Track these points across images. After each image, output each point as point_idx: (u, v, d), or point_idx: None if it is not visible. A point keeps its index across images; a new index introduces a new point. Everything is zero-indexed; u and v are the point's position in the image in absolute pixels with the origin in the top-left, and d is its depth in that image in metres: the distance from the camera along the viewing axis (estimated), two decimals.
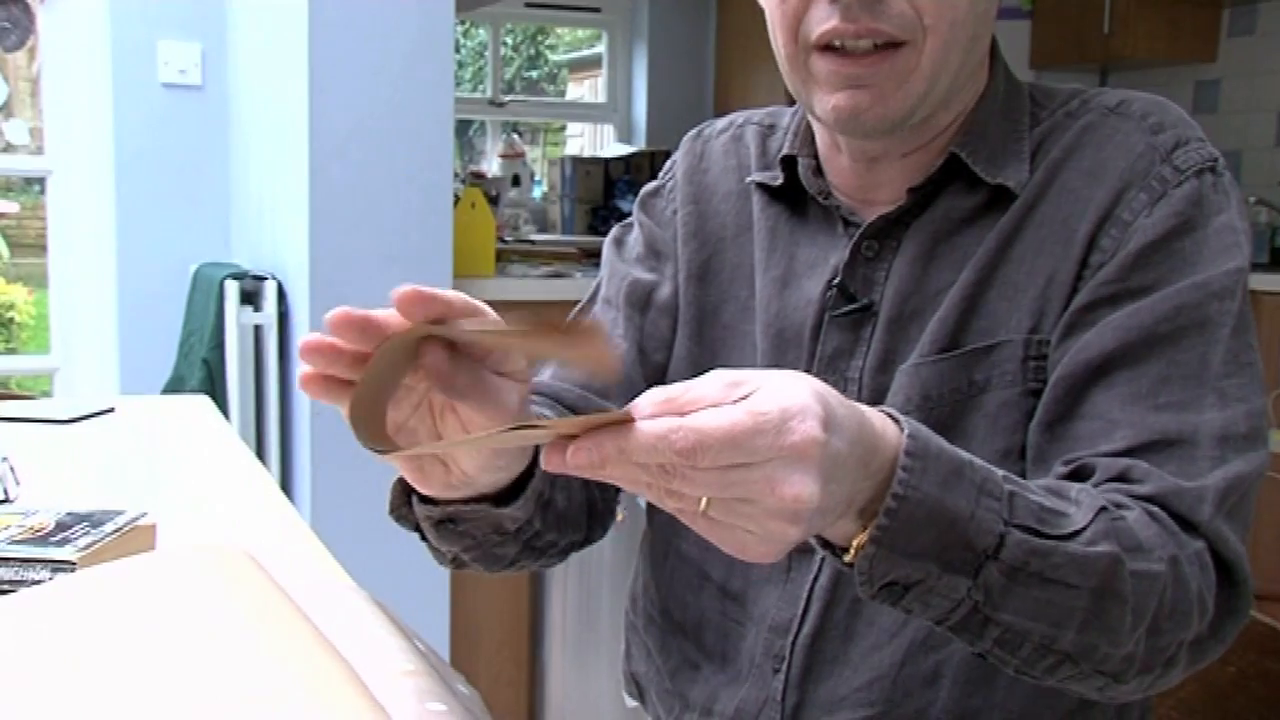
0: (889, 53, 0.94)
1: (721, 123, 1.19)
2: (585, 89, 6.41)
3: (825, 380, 1.00)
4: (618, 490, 1.13)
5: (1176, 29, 4.19)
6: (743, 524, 0.67)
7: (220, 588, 0.85)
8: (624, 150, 4.74)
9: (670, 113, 5.08)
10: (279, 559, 0.99)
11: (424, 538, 0.97)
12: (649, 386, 1.10)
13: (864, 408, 0.74)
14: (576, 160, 4.56)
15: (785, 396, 0.65)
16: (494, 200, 3.90)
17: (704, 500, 0.66)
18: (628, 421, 0.64)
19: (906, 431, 0.75)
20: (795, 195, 1.09)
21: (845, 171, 1.05)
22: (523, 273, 3.04)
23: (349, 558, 1.20)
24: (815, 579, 1.03)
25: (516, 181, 4.55)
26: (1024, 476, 0.93)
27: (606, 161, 4.58)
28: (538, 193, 4.81)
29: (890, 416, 0.76)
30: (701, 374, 1.08)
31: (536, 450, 0.88)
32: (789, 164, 1.09)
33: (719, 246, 1.12)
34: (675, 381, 1.16)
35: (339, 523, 2.21)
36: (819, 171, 1.07)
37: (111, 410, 1.78)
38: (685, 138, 1.20)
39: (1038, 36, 4.57)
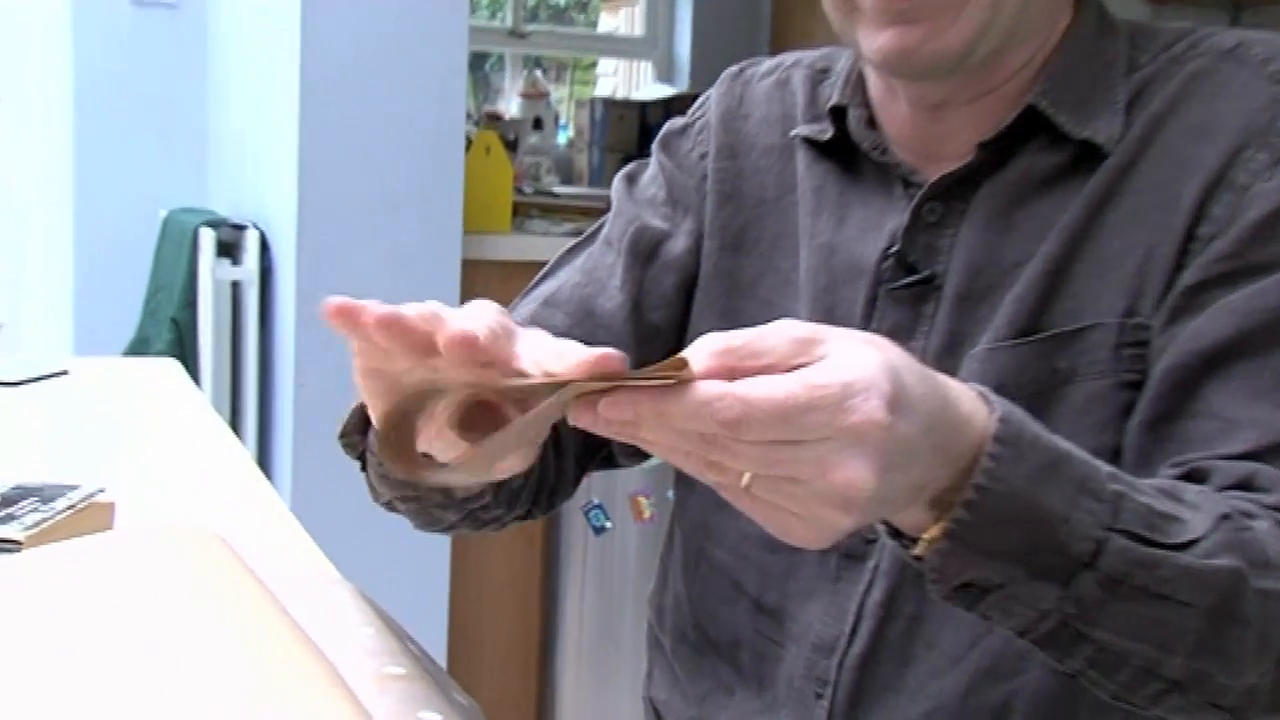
0: None
1: (768, 64, 1.18)
2: (620, 20, 6.40)
3: None
4: (582, 469, 1.16)
5: None
6: (788, 505, 0.67)
7: (186, 573, 0.85)
8: (663, 92, 4.74)
9: (718, 49, 5.06)
10: (254, 545, 1.00)
11: (364, 468, 1.01)
12: (639, 347, 1.11)
13: (952, 384, 0.74)
14: (608, 102, 4.56)
15: (850, 369, 0.65)
16: (512, 146, 3.90)
17: (747, 475, 0.67)
18: (668, 379, 0.64)
19: (997, 414, 0.75)
20: (846, 151, 1.08)
21: (903, 122, 1.04)
22: (543, 230, 3.04)
23: (332, 546, 1.21)
24: (867, 591, 1.03)
25: (538, 125, 4.55)
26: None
27: (643, 105, 4.57)
28: (563, 138, 4.82)
29: (982, 396, 0.76)
30: None
31: None
32: (839, 115, 1.08)
33: (758, 211, 1.12)
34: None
35: (322, 507, 2.22)
36: (873, 123, 1.07)
37: (65, 373, 1.80)
38: (724, 74, 1.19)
39: None
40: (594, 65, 6.44)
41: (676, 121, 1.20)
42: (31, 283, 3.49)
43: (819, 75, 1.14)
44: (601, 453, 1.16)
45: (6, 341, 3.58)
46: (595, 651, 2.94)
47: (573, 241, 1.21)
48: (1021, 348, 0.96)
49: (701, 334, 1.10)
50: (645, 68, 5.43)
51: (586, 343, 1.09)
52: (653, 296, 1.13)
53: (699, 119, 1.18)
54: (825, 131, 1.08)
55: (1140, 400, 0.94)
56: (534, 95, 4.67)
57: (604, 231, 1.18)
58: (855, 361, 0.66)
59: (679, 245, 1.14)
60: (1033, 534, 0.76)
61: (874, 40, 0.96)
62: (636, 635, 2.87)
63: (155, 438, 1.53)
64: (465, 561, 2.86)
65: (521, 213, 3.17)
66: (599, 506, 2.86)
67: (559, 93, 5.99)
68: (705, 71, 5.13)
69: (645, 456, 1.18)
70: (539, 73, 4.88)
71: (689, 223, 1.15)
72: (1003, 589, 0.77)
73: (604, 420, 0.65)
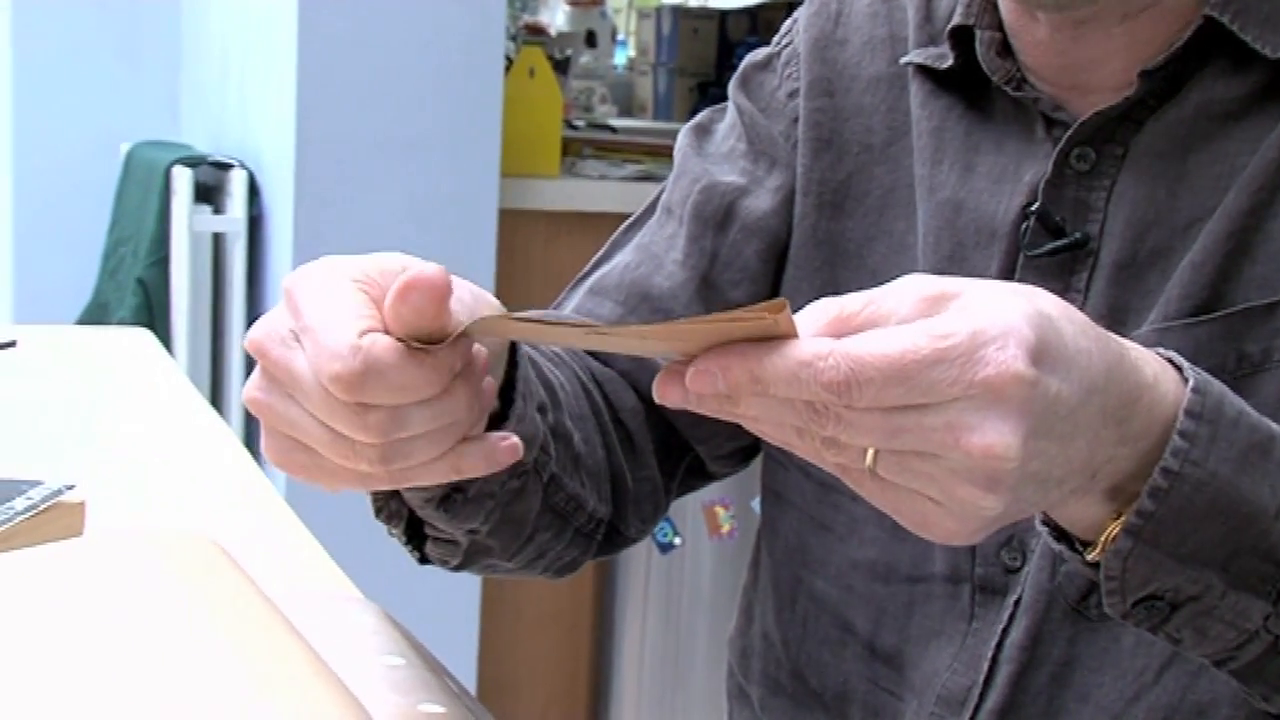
0: None
1: None
2: None
3: None
4: (670, 478, 1.17)
5: None
6: (921, 487, 0.68)
7: (177, 586, 0.87)
8: None
9: None
10: (252, 551, 1.02)
11: (418, 545, 1.01)
12: None
13: (1130, 345, 0.75)
14: (679, 12, 4.55)
15: (983, 315, 0.67)
16: (561, 67, 3.92)
17: (870, 453, 0.68)
18: (758, 319, 0.66)
19: (1190, 383, 0.75)
20: (973, 83, 1.07)
21: (1043, 46, 1.03)
22: (599, 173, 3.05)
23: (334, 551, 1.23)
24: (1005, 632, 1.03)
25: (591, 41, 4.56)
26: None
27: (723, 14, 4.56)
28: (621, 58, 4.83)
29: (1171, 362, 0.77)
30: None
31: (513, 353, 0.92)
32: (962, 38, 1.07)
33: (863, 160, 1.12)
34: None
35: (321, 504, 2.22)
36: (1006, 49, 1.06)
37: (13, 344, 1.82)
38: None
39: None
40: None
41: (758, 53, 1.19)
42: None
43: None
44: (686, 459, 1.17)
45: None
46: (659, 697, 2.96)
47: (632, 216, 1.22)
48: (1199, 328, 0.95)
49: (796, 307, 1.12)
50: None
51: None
52: (731, 270, 1.14)
53: (785, 47, 1.18)
54: (945, 58, 1.07)
55: None
56: (586, 3, 4.68)
57: (663, 198, 1.19)
58: (990, 307, 0.67)
59: (762, 204, 1.14)
60: (1236, 533, 0.76)
61: None
62: (712, 679, 2.88)
63: (127, 423, 1.56)
64: (500, 585, 2.87)
65: (572, 151, 3.17)
66: (666, 519, 2.88)
67: (617, 1, 5.98)
68: None
69: (742, 464, 1.20)
70: None
71: (776, 177, 1.15)
72: (1197, 602, 0.78)
73: (694, 395, 0.67)
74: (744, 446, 1.17)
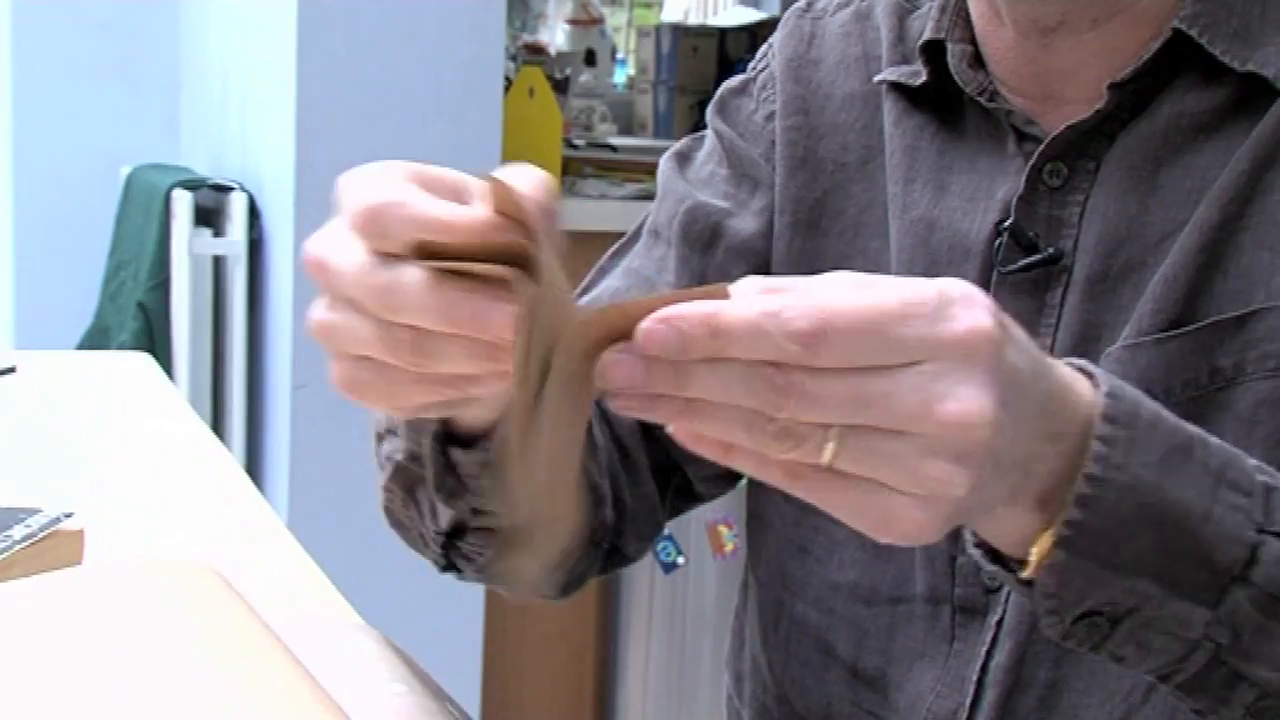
0: None
1: None
2: None
3: None
4: (663, 493, 1.16)
5: None
6: (887, 475, 0.67)
7: (177, 616, 0.87)
8: (748, 16, 4.74)
9: None
10: (254, 579, 1.01)
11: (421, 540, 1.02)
12: None
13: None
14: (679, 31, 4.56)
15: (943, 282, 0.67)
16: (561, 87, 3.92)
17: (829, 446, 0.67)
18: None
19: (1104, 389, 0.75)
20: (946, 100, 1.07)
21: (1012, 55, 1.03)
22: (599, 193, 3.06)
23: (339, 575, 1.23)
24: (989, 654, 1.03)
25: (590, 60, 4.58)
26: None
27: (722, 33, 4.58)
28: (621, 77, 4.84)
29: (1080, 368, 0.77)
30: None
31: None
32: (934, 54, 1.07)
33: (838, 178, 1.12)
34: None
35: (323, 531, 2.23)
36: (978, 61, 1.06)
37: (12, 370, 1.82)
38: (789, 11, 1.18)
39: None
40: None
41: (734, 80, 1.20)
42: None
43: (906, 7, 1.13)
44: (675, 479, 1.16)
45: None
46: (664, 717, 2.96)
47: (615, 245, 1.22)
48: (1171, 343, 0.95)
49: None
50: None
51: None
52: None
53: (761, 71, 1.17)
54: (918, 75, 1.08)
55: None
56: (585, 22, 4.70)
57: (649, 221, 1.19)
58: (945, 280, 0.68)
59: (748, 226, 1.14)
60: (1168, 539, 0.76)
61: None
62: (716, 698, 2.88)
63: (127, 449, 1.55)
64: (504, 602, 2.87)
65: (572, 171, 3.18)
66: (669, 538, 2.88)
67: (615, 19, 6.00)
68: None
69: (728, 486, 1.19)
70: None
71: (759, 200, 1.15)
72: (1137, 614, 0.77)
73: (642, 366, 0.65)
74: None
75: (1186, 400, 0.95)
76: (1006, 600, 1.01)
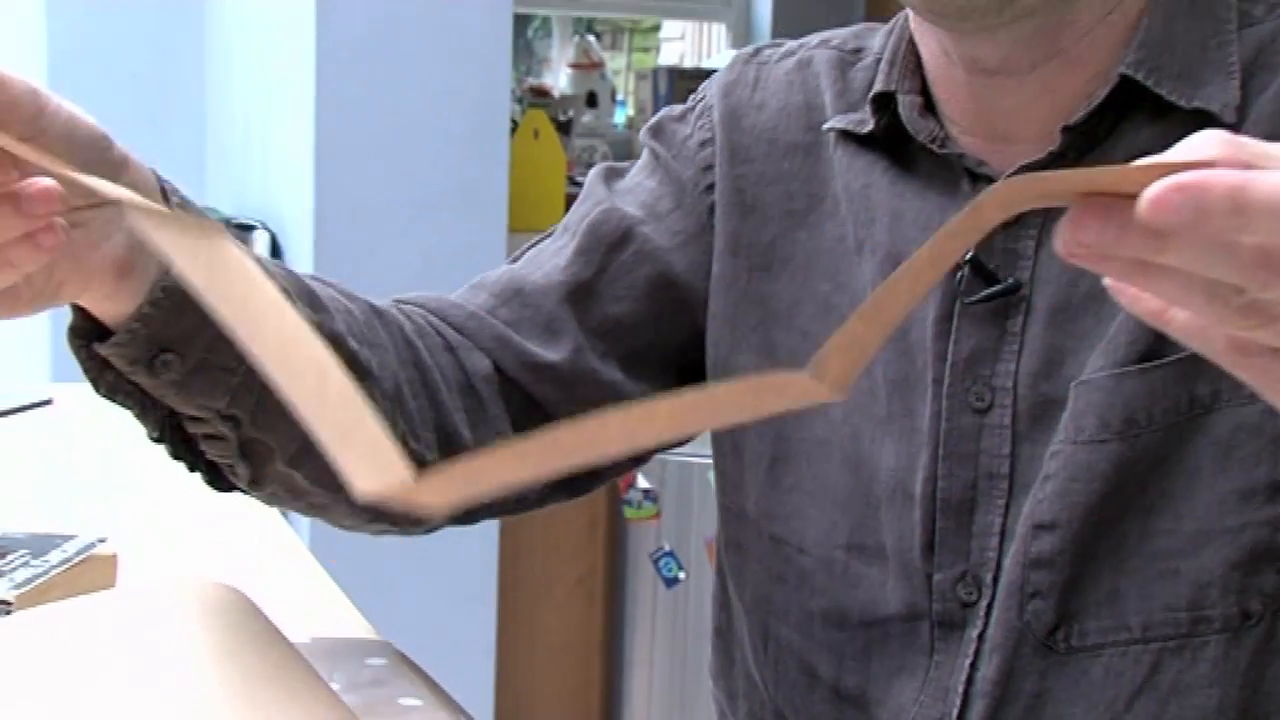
0: None
1: (790, 44, 1.17)
2: None
3: (964, 390, 1.00)
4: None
5: None
6: None
7: (206, 635, 0.87)
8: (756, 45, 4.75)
9: (804, 8, 5.07)
10: (278, 599, 1.02)
11: (182, 447, 0.98)
12: (590, 339, 1.11)
13: None
14: (675, 73, 4.57)
15: None
16: (564, 128, 3.93)
17: None
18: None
19: None
20: (895, 143, 1.07)
21: (962, 94, 1.03)
22: None
23: (355, 594, 1.23)
24: (974, 665, 1.02)
25: (592, 102, 4.58)
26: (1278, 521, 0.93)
27: (715, 74, 4.59)
28: (621, 117, 4.83)
29: None
30: None
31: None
32: (884, 103, 1.07)
33: (787, 225, 1.11)
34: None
35: (343, 549, 2.23)
36: (928, 110, 1.05)
37: (48, 402, 1.83)
38: (736, 56, 1.19)
39: None
40: (656, 29, 6.46)
41: (674, 109, 1.19)
42: None
43: (850, 57, 1.13)
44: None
45: None
46: None
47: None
48: (1154, 373, 0.95)
49: (738, 368, 1.12)
50: (718, 31, 5.44)
51: (511, 325, 1.11)
52: (618, 285, 1.13)
53: (699, 102, 1.18)
54: (866, 123, 1.07)
55: None
56: (586, 66, 4.70)
57: (563, 221, 1.18)
58: None
59: (661, 237, 1.13)
60: None
61: None
62: None
63: (157, 477, 1.56)
64: (516, 617, 2.87)
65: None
66: (670, 554, 2.88)
67: (615, 63, 6.00)
68: (790, 34, 5.11)
69: (631, 460, 1.19)
70: (592, 39, 4.91)
71: (678, 219, 1.14)
72: None
73: (1115, 227, 0.58)
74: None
75: (1167, 426, 0.95)
76: (986, 613, 1.00)
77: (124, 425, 1.75)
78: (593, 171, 1.21)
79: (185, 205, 0.91)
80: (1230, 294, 0.60)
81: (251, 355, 0.60)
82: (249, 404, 0.93)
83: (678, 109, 1.19)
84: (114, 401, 0.93)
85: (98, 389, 0.92)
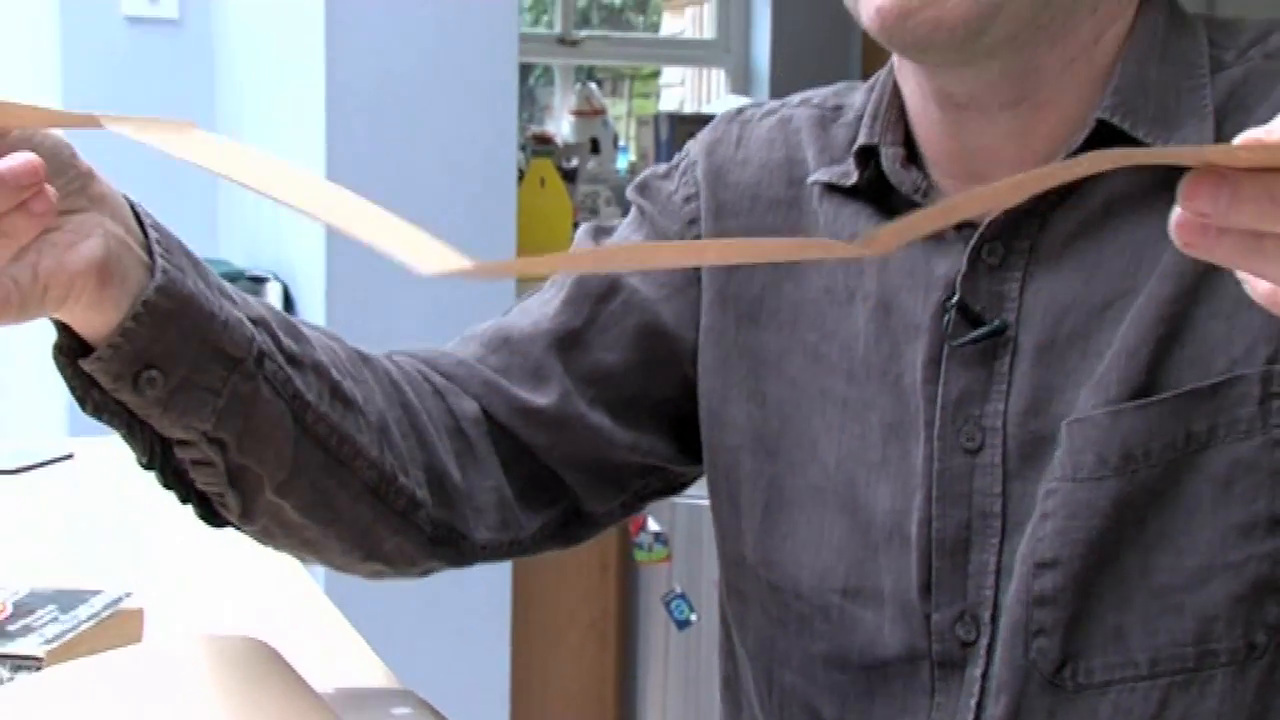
0: None
1: (771, 104, 1.19)
2: (687, 21, 6.44)
3: (955, 431, 1.01)
4: (615, 484, 1.17)
5: None
6: None
7: (237, 690, 0.88)
8: (740, 104, 4.76)
9: (802, 53, 5.09)
10: (302, 651, 1.02)
11: (160, 460, 0.97)
12: (578, 385, 1.13)
13: None
14: (676, 119, 4.59)
15: None
16: (569, 176, 3.94)
17: None
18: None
19: None
20: (879, 194, 1.08)
21: (938, 130, 1.04)
22: None
23: (372, 638, 1.23)
24: (980, 705, 1.02)
25: (595, 148, 4.60)
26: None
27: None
28: (623, 163, 4.85)
29: None
30: (774, 446, 1.12)
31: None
32: (867, 156, 1.08)
33: (773, 277, 1.12)
34: (717, 461, 1.15)
35: (361, 598, 2.24)
36: (910, 161, 1.06)
37: (69, 457, 1.83)
38: (720, 116, 1.21)
39: None
40: (656, 76, 6.49)
41: (659, 167, 1.21)
42: (17, 348, 3.54)
43: (830, 114, 1.14)
44: (563, 497, 1.17)
45: None
46: None
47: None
48: (1150, 409, 0.96)
49: (730, 419, 1.13)
50: (718, 77, 5.47)
51: (500, 371, 1.13)
52: (606, 335, 1.15)
53: (684, 159, 1.19)
54: (850, 176, 1.08)
55: None
56: (588, 113, 4.72)
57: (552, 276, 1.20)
58: None
59: (648, 289, 1.14)
60: None
61: (872, 1, 0.97)
62: None
63: (179, 530, 1.56)
64: (529, 661, 2.87)
65: None
66: (681, 596, 2.87)
67: (616, 109, 6.03)
68: (788, 80, 5.15)
69: (619, 504, 1.20)
70: (593, 86, 4.93)
71: (666, 271, 1.15)
72: None
73: (1229, 193, 0.59)
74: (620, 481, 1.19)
75: (1165, 462, 0.95)
76: (987, 652, 1.00)
77: (143, 482, 1.76)
78: (580, 229, 1.23)
79: (157, 226, 0.91)
80: None
81: (273, 196, 0.64)
82: (235, 426, 0.93)
83: (663, 167, 1.21)
84: (101, 420, 0.92)
85: (84, 407, 0.91)
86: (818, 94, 1.17)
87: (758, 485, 1.11)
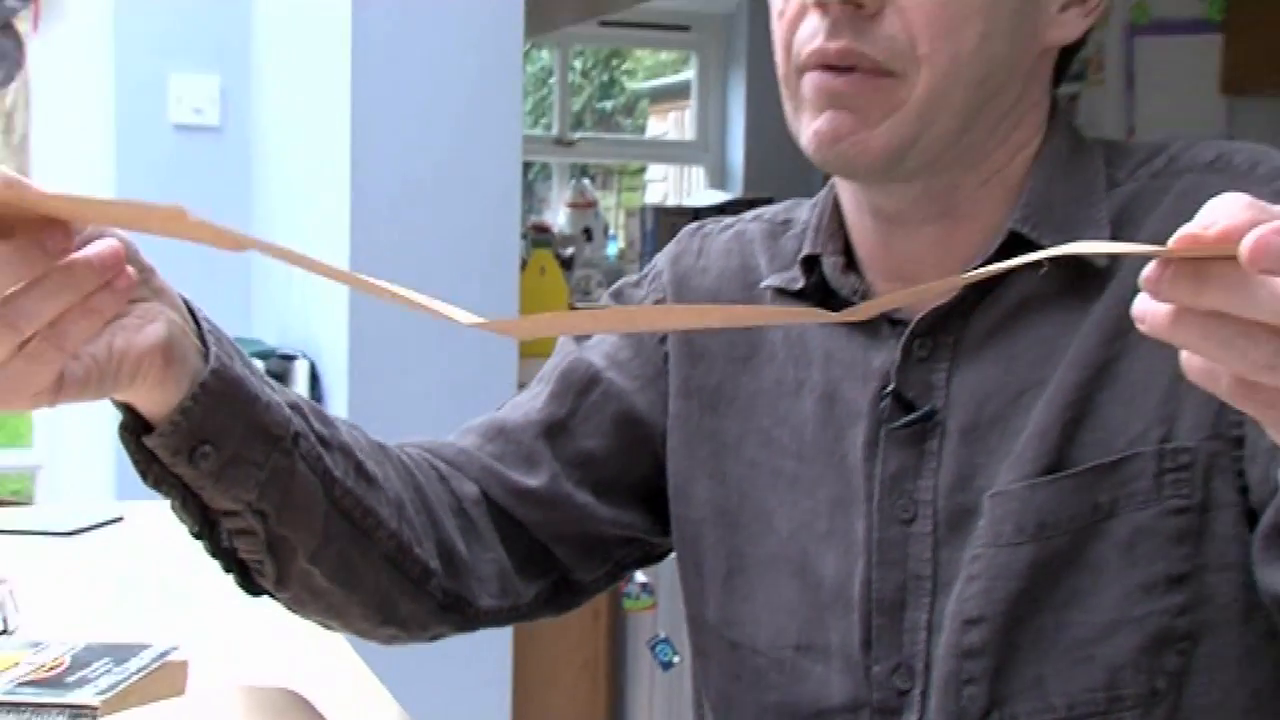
0: (877, 79, 0.97)
1: (728, 219, 1.22)
2: (669, 123, 6.48)
3: (891, 504, 1.03)
4: (598, 556, 1.17)
5: None
6: None
7: None
8: (717, 198, 4.80)
9: (773, 152, 5.12)
10: (333, 702, 1.02)
11: (205, 529, 0.97)
12: (567, 469, 1.14)
13: None
14: (660, 211, 4.62)
15: None
16: (566, 264, 3.96)
17: None
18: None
19: None
20: (823, 296, 1.10)
21: (872, 239, 1.07)
22: None
23: (386, 679, 1.24)
24: None
25: (588, 236, 4.62)
26: (1180, 610, 0.94)
27: (696, 211, 4.62)
28: (613, 250, 4.87)
29: None
30: (734, 520, 1.14)
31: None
32: (811, 264, 1.10)
33: (731, 369, 1.14)
34: (684, 533, 1.16)
35: (389, 654, 2.25)
36: (849, 267, 1.09)
37: (120, 519, 1.83)
38: (684, 230, 1.23)
39: (1230, 54, 4.48)
40: (642, 171, 6.52)
41: (631, 277, 1.24)
42: (71, 421, 3.53)
43: (779, 228, 1.17)
44: (553, 567, 1.17)
45: (46, 484, 3.61)
46: None
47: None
48: (1061, 483, 0.97)
49: (695, 496, 1.15)
50: (697, 173, 5.50)
51: (496, 458, 1.14)
52: (589, 424, 1.16)
53: (652, 269, 1.22)
54: (796, 280, 1.10)
55: (1269, 508, 0.92)
56: (582, 205, 4.75)
57: (537, 375, 1.21)
58: None
59: (623, 381, 1.16)
60: None
61: (812, 125, 0.99)
62: None
63: (220, 589, 1.56)
64: (529, 698, 2.86)
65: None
66: (666, 641, 2.86)
67: (606, 200, 6.06)
68: (760, 175, 5.18)
69: (605, 574, 1.20)
70: (586, 182, 4.96)
71: (639, 365, 1.17)
72: None
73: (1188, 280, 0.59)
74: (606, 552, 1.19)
75: (1074, 530, 0.97)
76: (921, 700, 1.01)
77: (187, 543, 1.76)
78: (563, 338, 1.24)
79: (208, 319, 0.92)
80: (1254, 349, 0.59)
81: (327, 277, 0.67)
82: (275, 499, 0.94)
83: (634, 277, 1.23)
84: (160, 492, 0.93)
85: (145, 479, 0.92)
86: (769, 210, 1.20)
87: (719, 554, 1.12)
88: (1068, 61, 1.07)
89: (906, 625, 1.02)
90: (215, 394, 0.89)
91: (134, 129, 3.37)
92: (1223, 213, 0.59)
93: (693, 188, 5.59)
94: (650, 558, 1.23)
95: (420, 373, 2.68)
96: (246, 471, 0.92)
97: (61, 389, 0.80)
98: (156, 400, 0.88)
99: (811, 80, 0.99)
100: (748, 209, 1.24)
